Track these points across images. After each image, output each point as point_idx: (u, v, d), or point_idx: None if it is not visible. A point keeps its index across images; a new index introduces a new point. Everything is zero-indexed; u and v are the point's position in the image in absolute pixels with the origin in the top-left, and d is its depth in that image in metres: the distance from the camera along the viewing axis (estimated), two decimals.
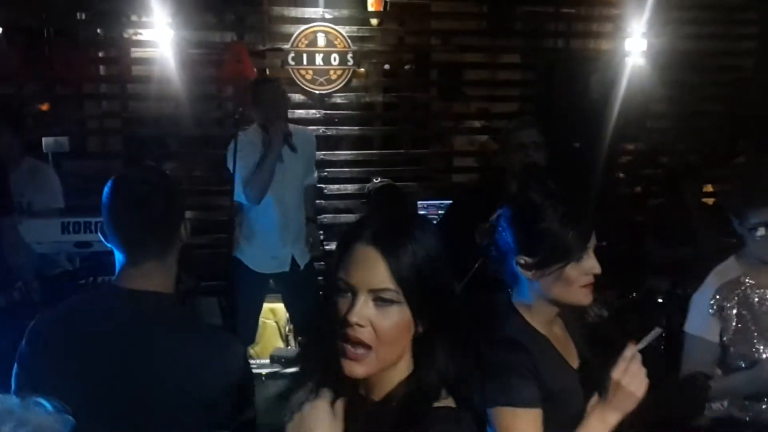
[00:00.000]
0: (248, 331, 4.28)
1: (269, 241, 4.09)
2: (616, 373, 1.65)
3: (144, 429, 1.66)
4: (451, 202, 4.63)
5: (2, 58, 4.92)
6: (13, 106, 4.38)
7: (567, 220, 1.72)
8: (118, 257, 1.74)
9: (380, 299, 1.24)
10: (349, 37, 5.26)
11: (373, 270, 1.24)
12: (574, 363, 1.85)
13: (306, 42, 5.18)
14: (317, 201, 4.91)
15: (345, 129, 5.43)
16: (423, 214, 1.39)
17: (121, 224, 1.71)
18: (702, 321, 2.53)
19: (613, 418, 1.66)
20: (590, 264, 1.74)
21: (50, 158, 4.65)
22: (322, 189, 5.12)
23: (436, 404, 1.26)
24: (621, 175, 6.04)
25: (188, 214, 5.23)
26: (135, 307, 1.70)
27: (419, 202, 5.09)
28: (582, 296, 1.76)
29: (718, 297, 2.51)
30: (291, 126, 4.16)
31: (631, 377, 1.64)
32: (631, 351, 1.66)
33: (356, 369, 1.25)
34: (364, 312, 1.23)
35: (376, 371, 1.27)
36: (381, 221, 1.32)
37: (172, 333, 1.71)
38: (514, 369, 1.68)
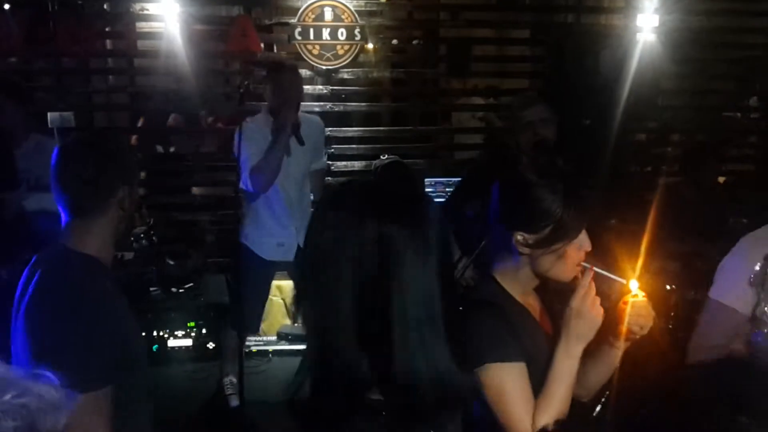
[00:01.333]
0: (252, 320, 4.25)
1: (274, 229, 4.06)
2: (575, 301, 1.69)
3: None
4: (459, 179, 4.62)
5: (7, 32, 4.87)
6: (18, 81, 4.33)
7: (569, 200, 1.72)
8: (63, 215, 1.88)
9: None
10: (356, 11, 5.19)
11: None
12: (549, 331, 1.88)
13: (313, 16, 5.10)
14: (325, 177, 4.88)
15: (352, 105, 5.38)
16: (428, 196, 1.38)
17: (56, 182, 1.84)
18: (736, 290, 2.29)
19: (577, 348, 1.69)
20: (584, 241, 1.75)
21: (56, 133, 4.64)
22: (329, 165, 5.07)
23: None
24: (631, 153, 5.96)
25: (196, 190, 5.26)
26: (47, 260, 1.84)
27: (426, 180, 5.06)
28: (571, 273, 1.77)
29: (759, 267, 2.23)
30: (300, 114, 4.12)
31: (589, 304, 1.67)
32: (588, 278, 1.70)
33: None
34: None
35: None
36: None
37: (46, 285, 1.76)
38: (495, 327, 1.71)
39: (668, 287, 4.20)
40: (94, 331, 1.72)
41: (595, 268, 1.71)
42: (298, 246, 4.10)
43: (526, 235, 1.75)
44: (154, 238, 2.95)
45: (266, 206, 4.03)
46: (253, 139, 3.84)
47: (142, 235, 2.95)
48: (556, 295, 1.91)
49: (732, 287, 2.30)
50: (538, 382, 1.72)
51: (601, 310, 1.69)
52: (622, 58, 5.37)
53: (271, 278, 4.35)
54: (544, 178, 1.74)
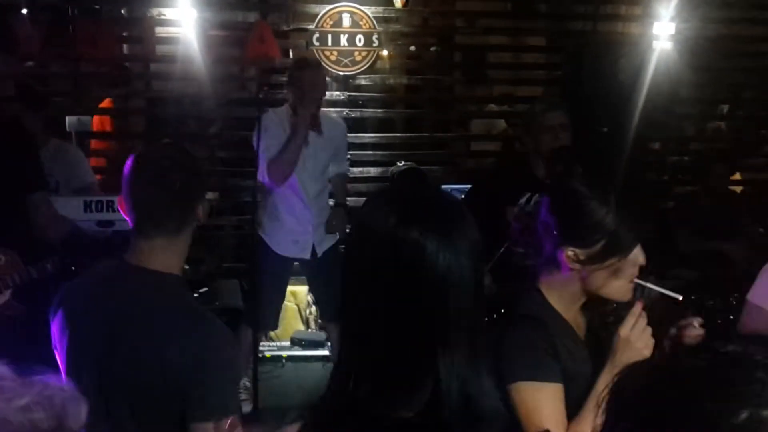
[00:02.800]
0: (270, 315, 4.22)
1: (290, 225, 4.05)
2: (624, 330, 1.64)
3: (123, 407, 1.66)
4: (470, 185, 4.60)
5: (26, 37, 4.89)
6: (37, 88, 4.35)
7: (623, 213, 1.66)
8: (132, 232, 1.74)
9: None
10: (374, 17, 5.19)
11: None
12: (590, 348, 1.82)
13: (331, 22, 5.11)
14: None
15: (369, 111, 5.38)
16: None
17: (138, 199, 1.71)
18: None
19: None
20: (639, 256, 1.69)
21: (74, 137, 4.66)
22: None
23: None
24: (649, 161, 5.94)
25: (210, 195, 5.26)
26: (135, 284, 1.70)
27: (443, 186, 5.04)
28: (625, 291, 1.72)
29: None
30: (322, 112, 4.13)
31: (638, 334, 1.62)
32: (639, 308, 1.65)
33: None
34: None
35: None
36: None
37: (165, 314, 1.67)
38: (534, 344, 1.67)
39: (691, 297, 4.17)
40: (232, 355, 1.75)
41: (649, 284, 1.68)
42: (314, 245, 4.12)
43: (577, 250, 1.69)
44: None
45: (283, 201, 4.03)
46: (272, 130, 3.85)
47: None
48: (603, 315, 1.85)
49: None
50: (576, 404, 1.67)
51: (651, 342, 1.63)
52: (639, 66, 5.34)
53: (288, 275, 4.33)
54: (596, 190, 1.69)
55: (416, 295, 1.08)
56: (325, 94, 4.09)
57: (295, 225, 4.07)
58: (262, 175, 3.91)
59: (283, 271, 4.20)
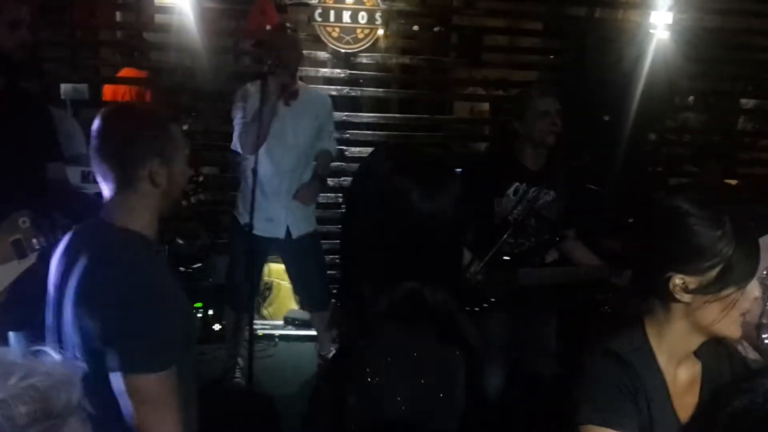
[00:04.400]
0: (239, 297, 4.06)
1: (262, 202, 3.87)
2: None
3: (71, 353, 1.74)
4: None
5: (19, 3, 4.74)
6: (30, 53, 4.21)
7: (741, 236, 1.47)
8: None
9: None
10: None
11: None
12: (684, 416, 1.58)
13: None
14: (337, 163, 4.82)
15: (369, 90, 5.31)
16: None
17: (93, 153, 1.81)
18: None
19: None
20: (755, 289, 1.51)
21: (68, 105, 4.54)
22: (343, 151, 5.01)
23: None
24: (645, 151, 5.95)
25: (206, 170, 5.16)
26: (93, 238, 1.81)
27: None
28: (737, 327, 1.52)
29: (764, 274, 2.11)
30: (303, 85, 4.05)
31: None
32: None
33: None
34: None
35: None
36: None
37: (104, 266, 1.73)
38: (615, 385, 1.50)
39: None
40: (159, 309, 1.69)
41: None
42: (288, 226, 4.02)
43: (687, 278, 1.49)
44: (201, 196, 2.90)
45: (258, 177, 3.83)
46: (244, 102, 3.80)
47: (190, 192, 2.90)
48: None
49: None
50: None
51: None
52: (638, 55, 5.33)
53: (264, 256, 4.24)
54: (707, 209, 1.49)
55: (403, 231, 1.38)
56: (299, 63, 3.99)
57: (267, 203, 3.93)
58: (234, 145, 3.85)
59: (255, 252, 3.91)
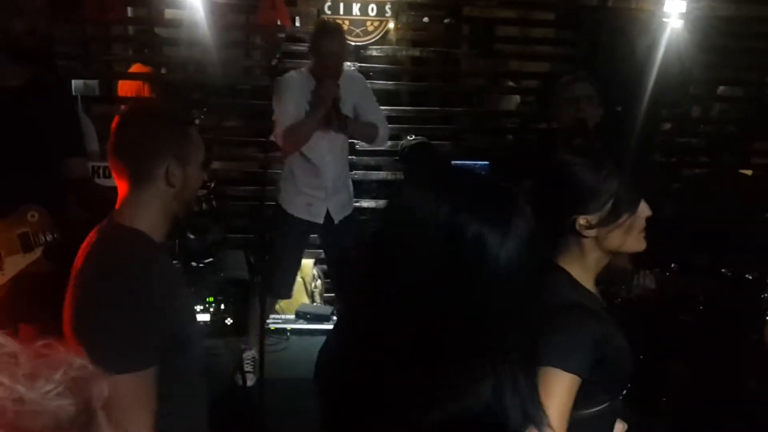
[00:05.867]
0: (286, 283, 4.21)
1: (304, 187, 4.01)
2: None
3: None
4: (487, 162, 4.56)
5: None
6: (41, 47, 4.23)
7: (621, 171, 1.72)
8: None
9: None
10: None
11: None
12: None
13: None
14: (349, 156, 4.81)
15: (379, 83, 5.29)
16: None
17: (109, 150, 1.81)
18: None
19: None
20: (644, 208, 1.75)
21: (79, 101, 4.55)
22: (353, 144, 4.99)
23: None
24: (657, 142, 5.89)
25: (217, 164, 5.17)
26: (101, 237, 1.78)
27: (453, 162, 4.98)
28: (640, 242, 1.78)
29: None
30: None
31: None
32: None
33: None
34: None
35: None
36: None
37: (97, 266, 1.72)
38: (579, 332, 1.66)
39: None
40: (134, 309, 1.65)
41: None
42: (327, 211, 4.08)
43: (588, 217, 1.72)
44: (214, 202, 2.90)
45: (299, 163, 3.98)
46: (290, 95, 3.79)
47: (202, 199, 2.89)
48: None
49: None
50: (616, 375, 1.72)
51: None
52: (652, 44, 5.28)
53: (305, 240, 4.28)
54: (587, 156, 1.74)
55: (471, 290, 1.00)
56: (344, 61, 4.01)
57: (309, 188, 4.02)
58: (276, 138, 3.87)
59: (298, 236, 4.14)
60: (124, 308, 1.65)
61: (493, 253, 0.99)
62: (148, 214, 1.79)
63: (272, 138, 3.92)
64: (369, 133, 4.11)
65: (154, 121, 1.84)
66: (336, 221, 4.12)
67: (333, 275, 4.74)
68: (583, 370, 1.63)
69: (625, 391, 1.80)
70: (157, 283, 1.73)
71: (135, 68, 5.40)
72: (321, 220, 4.08)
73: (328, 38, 3.78)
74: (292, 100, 3.78)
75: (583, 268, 1.78)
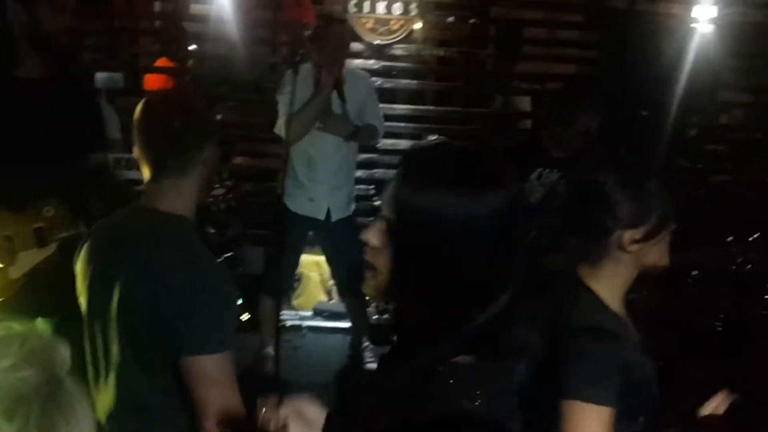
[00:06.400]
0: (280, 282, 4.19)
1: (305, 181, 4.01)
2: None
3: (121, 344, 1.75)
4: None
5: None
6: (66, 40, 4.26)
7: (664, 189, 1.71)
8: (144, 176, 1.83)
9: (387, 227, 1.15)
10: None
11: (389, 197, 1.16)
12: None
13: None
14: (370, 155, 4.81)
15: (403, 82, 5.27)
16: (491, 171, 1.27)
17: (143, 143, 1.80)
18: None
19: None
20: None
21: (103, 94, 4.59)
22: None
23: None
24: (684, 148, 5.81)
25: (239, 159, 5.18)
26: (140, 224, 1.79)
27: None
28: (666, 256, 1.76)
29: None
30: (345, 69, 4.02)
31: None
32: None
33: (364, 287, 1.21)
34: (373, 235, 1.16)
35: (377, 296, 1.22)
36: (419, 152, 1.25)
37: (161, 250, 1.72)
38: (603, 361, 1.60)
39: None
40: (222, 292, 1.73)
41: None
42: (328, 208, 4.06)
43: (633, 232, 1.68)
44: (232, 202, 2.90)
45: (301, 157, 3.97)
46: (297, 86, 3.75)
47: (221, 198, 2.89)
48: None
49: None
50: (643, 405, 1.70)
51: None
52: (680, 49, 5.21)
53: (304, 236, 4.25)
54: (627, 169, 1.74)
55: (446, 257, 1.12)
56: (347, 54, 4.00)
57: (310, 182, 4.01)
58: (278, 128, 3.86)
59: (300, 231, 4.12)
60: (222, 292, 1.72)
61: (459, 221, 1.10)
62: (185, 200, 1.81)
63: (275, 130, 3.89)
64: (368, 135, 4.13)
65: (189, 112, 1.85)
66: (333, 219, 4.09)
67: (336, 279, 4.67)
68: (614, 401, 1.57)
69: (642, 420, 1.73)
70: (222, 265, 1.80)
71: (161, 62, 5.44)
72: (322, 216, 4.06)
73: (332, 28, 3.83)
74: (294, 90, 3.77)
75: (612, 287, 1.74)
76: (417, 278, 1.13)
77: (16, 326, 0.93)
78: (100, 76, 4.66)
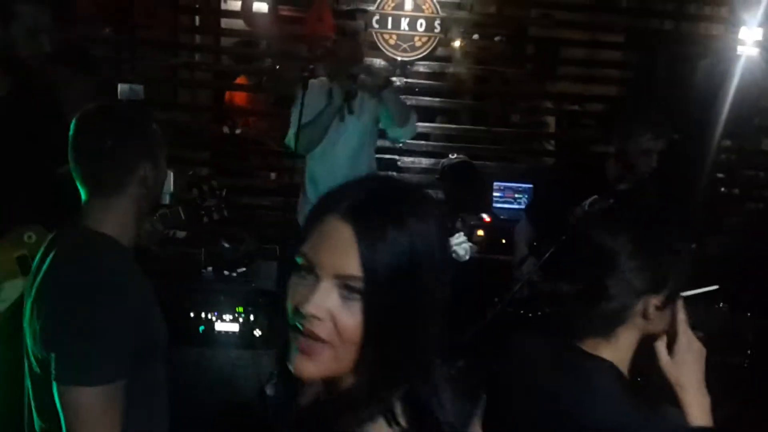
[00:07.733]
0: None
1: (311, 198, 3.94)
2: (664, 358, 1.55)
3: (33, 365, 1.68)
4: (532, 186, 4.45)
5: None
6: (89, 50, 4.28)
7: (684, 253, 1.58)
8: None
9: (347, 288, 0.96)
10: (440, 2, 4.98)
11: (342, 252, 0.97)
12: None
13: (392, 5, 4.93)
14: (390, 172, 4.72)
15: (425, 100, 5.18)
16: (428, 195, 1.08)
17: (73, 156, 1.72)
18: None
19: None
20: None
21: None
22: (395, 161, 4.90)
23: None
24: (720, 174, 5.57)
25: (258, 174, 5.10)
26: (66, 242, 1.72)
27: (496, 183, 4.82)
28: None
29: None
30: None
31: (682, 348, 1.54)
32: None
33: (306, 367, 0.98)
34: (325, 302, 0.96)
35: (331, 374, 1.00)
36: (365, 193, 1.05)
37: (61, 270, 1.65)
38: None
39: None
40: (108, 319, 1.59)
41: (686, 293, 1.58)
42: None
43: (659, 297, 1.52)
44: (225, 212, 2.85)
45: (308, 175, 3.95)
46: (308, 99, 3.74)
47: (213, 209, 2.84)
48: None
49: None
50: None
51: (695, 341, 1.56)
52: (719, 71, 4.99)
53: None
54: (652, 229, 1.57)
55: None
56: (362, 68, 3.90)
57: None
58: (289, 140, 3.83)
59: None
60: (99, 318, 1.58)
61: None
62: (120, 219, 1.73)
63: (286, 141, 3.85)
64: (405, 110, 3.93)
65: (122, 128, 1.75)
66: None
67: None
68: None
69: None
70: (128, 290, 1.67)
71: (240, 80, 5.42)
72: None
73: (346, 40, 3.92)
74: (303, 102, 3.72)
75: (623, 358, 1.56)
76: (389, 340, 0.97)
77: None
78: (122, 88, 4.68)
